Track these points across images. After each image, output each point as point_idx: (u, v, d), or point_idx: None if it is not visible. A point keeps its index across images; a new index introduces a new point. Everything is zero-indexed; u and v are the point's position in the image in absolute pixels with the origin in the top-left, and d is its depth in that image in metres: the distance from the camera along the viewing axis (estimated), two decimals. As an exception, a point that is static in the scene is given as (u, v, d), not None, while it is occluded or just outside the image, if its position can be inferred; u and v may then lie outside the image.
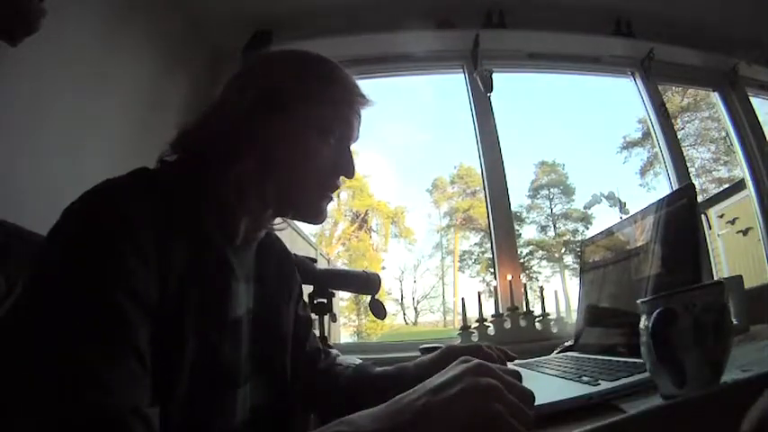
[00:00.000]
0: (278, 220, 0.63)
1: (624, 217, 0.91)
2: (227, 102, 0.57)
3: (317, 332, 1.45)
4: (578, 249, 1.78)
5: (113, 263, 0.40)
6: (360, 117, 0.61)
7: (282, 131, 0.55)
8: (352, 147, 0.62)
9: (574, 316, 1.04)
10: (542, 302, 1.73)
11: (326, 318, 1.44)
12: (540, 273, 7.91)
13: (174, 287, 0.44)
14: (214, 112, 0.58)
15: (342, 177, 0.60)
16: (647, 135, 6.56)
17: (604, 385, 0.50)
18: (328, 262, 6.85)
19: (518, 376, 0.39)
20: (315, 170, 0.56)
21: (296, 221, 0.64)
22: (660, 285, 0.67)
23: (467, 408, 0.34)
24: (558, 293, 1.84)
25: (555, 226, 8.23)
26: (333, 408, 0.37)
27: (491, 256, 2.01)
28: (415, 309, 8.29)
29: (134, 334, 0.39)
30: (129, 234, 0.41)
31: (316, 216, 0.59)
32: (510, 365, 0.80)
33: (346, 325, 7.47)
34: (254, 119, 0.54)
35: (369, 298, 1.38)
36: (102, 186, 0.45)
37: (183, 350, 0.45)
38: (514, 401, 0.35)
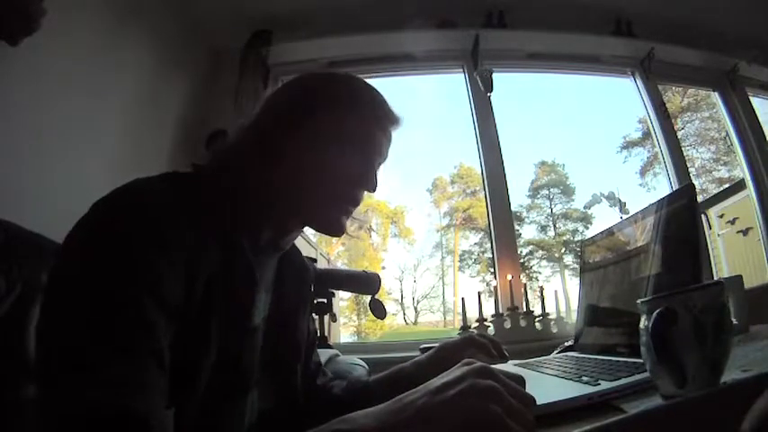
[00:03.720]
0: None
1: (624, 217, 0.91)
2: (258, 116, 0.59)
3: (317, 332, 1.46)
4: (578, 249, 1.78)
5: (139, 263, 0.39)
6: (388, 136, 0.61)
7: (307, 142, 0.56)
8: (381, 167, 0.62)
9: (574, 316, 1.04)
10: (542, 302, 1.73)
11: (326, 318, 1.45)
12: (540, 273, 7.91)
13: (200, 292, 0.44)
14: (249, 125, 0.59)
15: (365, 192, 0.59)
16: (647, 135, 6.56)
17: (604, 385, 0.50)
18: (328, 262, 6.84)
19: (521, 381, 0.39)
20: (334, 180, 0.56)
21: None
22: (660, 285, 0.67)
23: (465, 409, 0.35)
24: (558, 293, 1.85)
25: (555, 226, 8.23)
26: (326, 420, 0.38)
27: (491, 255, 2.01)
28: (415, 309, 8.29)
29: (156, 337, 0.39)
30: (157, 235, 0.41)
31: (331, 226, 0.58)
32: (511, 367, 0.81)
33: (346, 325, 7.46)
34: (283, 129, 0.55)
35: (369, 298, 1.39)
36: (132, 185, 0.45)
37: (206, 355, 0.45)
38: (514, 404, 0.35)
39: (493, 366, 0.39)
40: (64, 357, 0.35)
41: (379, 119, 0.59)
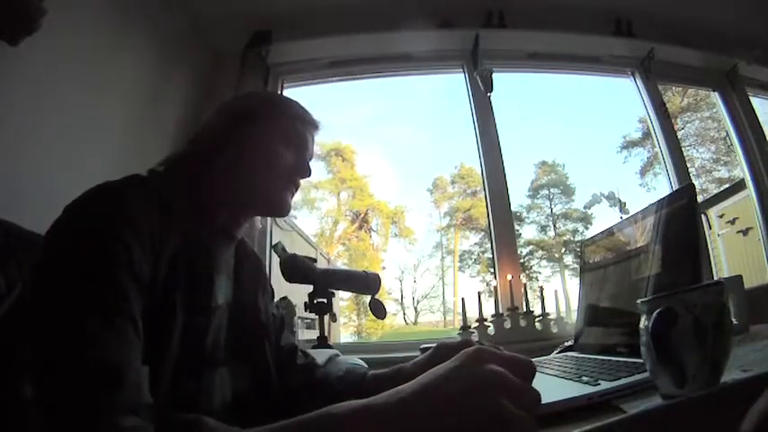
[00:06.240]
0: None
1: (624, 217, 0.91)
2: (206, 124, 0.71)
3: (317, 332, 1.46)
4: (578, 249, 1.78)
5: (111, 240, 0.45)
6: (313, 137, 0.76)
7: (251, 138, 0.68)
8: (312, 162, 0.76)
9: (574, 316, 1.04)
10: (542, 302, 1.73)
11: (326, 318, 1.45)
12: (540, 273, 7.93)
13: (164, 271, 0.51)
14: (198, 132, 0.70)
15: (300, 179, 0.73)
16: (647, 135, 6.57)
17: (604, 385, 0.50)
18: (328, 262, 6.86)
19: (531, 368, 0.37)
20: (277, 167, 0.69)
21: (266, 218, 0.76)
22: (660, 285, 0.67)
23: (470, 401, 0.33)
24: (558, 293, 1.84)
25: (555, 226, 8.25)
26: (316, 404, 0.37)
27: (491, 255, 2.01)
28: (415, 309, 8.31)
29: (131, 307, 0.44)
30: (124, 216, 0.48)
31: (280, 207, 0.70)
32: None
33: (346, 325, 7.48)
34: (229, 131, 0.67)
35: (369, 298, 1.39)
36: (99, 185, 0.51)
37: (173, 327, 0.51)
38: (517, 386, 0.34)
39: (500, 354, 0.37)
40: (53, 323, 0.41)
41: (306, 123, 0.74)
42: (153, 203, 0.52)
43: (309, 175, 0.73)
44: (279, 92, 2.12)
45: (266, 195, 0.68)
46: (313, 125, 0.76)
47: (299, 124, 0.73)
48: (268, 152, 0.68)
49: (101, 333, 0.40)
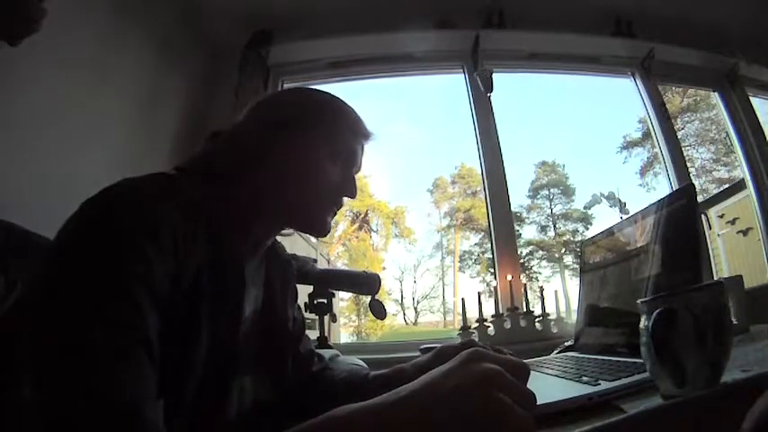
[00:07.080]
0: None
1: (624, 217, 0.91)
2: (248, 124, 0.63)
3: (317, 332, 1.46)
4: (578, 249, 1.78)
5: (130, 253, 0.40)
6: (363, 149, 0.68)
7: (298, 151, 0.61)
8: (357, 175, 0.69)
9: (574, 316, 1.04)
10: (542, 302, 1.73)
11: (326, 318, 1.45)
12: (540, 273, 7.94)
13: (189, 282, 0.46)
14: (235, 132, 0.63)
15: (345, 198, 0.66)
16: (647, 135, 6.58)
17: (604, 385, 0.50)
18: (328, 262, 6.84)
19: (526, 371, 0.38)
20: (324, 186, 0.62)
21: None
22: (660, 285, 0.67)
23: (468, 396, 0.34)
24: (558, 293, 1.84)
25: (555, 226, 8.25)
26: (324, 410, 0.37)
27: (491, 256, 2.01)
28: (415, 309, 8.31)
29: (146, 327, 0.39)
30: (145, 224, 0.42)
31: (321, 228, 0.63)
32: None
33: (346, 325, 7.48)
34: (274, 138, 0.60)
35: (369, 298, 1.39)
36: (122, 182, 0.46)
37: (196, 346, 0.46)
38: (514, 383, 0.34)
39: (496, 355, 0.37)
40: (57, 348, 0.35)
41: (359, 135, 0.67)
42: (179, 209, 0.46)
43: (354, 196, 0.66)
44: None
45: (306, 214, 0.62)
46: (365, 137, 0.68)
47: (351, 136, 0.65)
48: (314, 168, 0.61)
49: (112, 361, 0.35)
